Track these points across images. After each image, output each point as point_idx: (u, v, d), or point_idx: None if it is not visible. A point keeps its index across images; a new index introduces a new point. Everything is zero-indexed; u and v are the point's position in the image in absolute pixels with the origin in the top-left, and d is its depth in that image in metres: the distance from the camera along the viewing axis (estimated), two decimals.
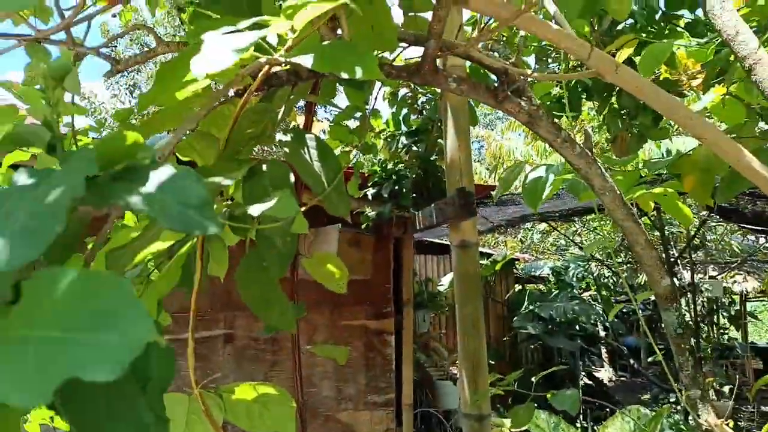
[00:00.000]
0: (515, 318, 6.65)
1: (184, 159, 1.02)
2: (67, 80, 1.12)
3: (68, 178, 0.39)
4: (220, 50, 0.55)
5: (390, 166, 2.62)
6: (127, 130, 0.51)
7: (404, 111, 2.70)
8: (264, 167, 0.75)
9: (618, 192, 1.02)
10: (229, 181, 0.56)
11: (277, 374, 3.60)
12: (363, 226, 2.77)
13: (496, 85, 1.03)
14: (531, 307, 6.65)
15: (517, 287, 7.77)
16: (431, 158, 2.68)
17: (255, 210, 0.55)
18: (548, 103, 2.34)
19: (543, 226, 7.61)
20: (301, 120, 2.23)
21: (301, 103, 1.74)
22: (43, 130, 0.45)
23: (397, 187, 2.58)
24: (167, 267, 0.79)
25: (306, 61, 0.67)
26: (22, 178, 0.42)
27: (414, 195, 2.62)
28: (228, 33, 0.62)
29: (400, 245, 3.68)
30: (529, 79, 1.04)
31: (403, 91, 2.58)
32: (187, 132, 0.75)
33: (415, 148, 2.53)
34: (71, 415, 0.37)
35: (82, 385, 0.31)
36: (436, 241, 5.84)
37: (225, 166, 0.76)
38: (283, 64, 0.88)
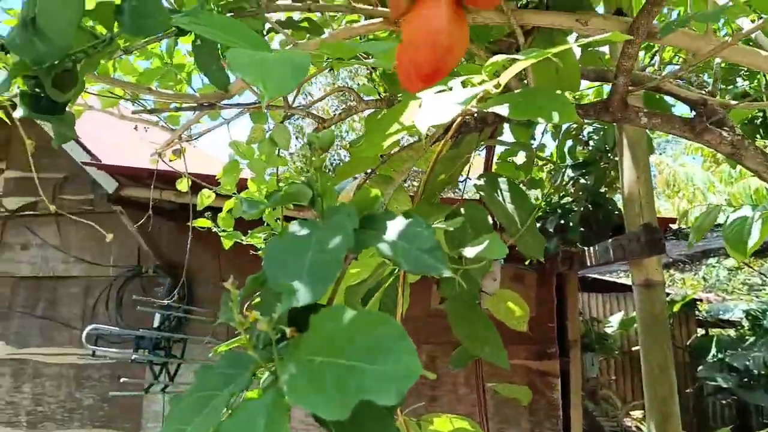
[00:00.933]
0: (700, 367, 5.85)
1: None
2: (278, 137, 1.31)
3: (339, 231, 0.48)
4: (443, 105, 0.62)
5: (555, 199, 2.55)
6: (332, 178, 0.60)
7: (569, 143, 2.63)
8: (462, 209, 0.81)
9: None
10: (451, 227, 0.62)
11: (434, 411, 3.61)
12: (526, 262, 2.71)
13: (692, 116, 0.98)
14: (720, 356, 5.80)
15: (700, 332, 6.86)
16: (600, 190, 2.56)
17: (470, 252, 0.59)
18: (741, 125, 2.11)
19: (731, 261, 6.67)
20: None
21: None
22: (306, 188, 0.55)
23: (563, 221, 2.49)
24: (371, 302, 0.87)
25: (503, 110, 0.72)
26: (296, 229, 0.52)
27: (582, 229, 2.51)
28: (438, 92, 0.70)
29: (563, 281, 3.51)
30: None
31: (567, 123, 2.52)
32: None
33: (582, 181, 2.44)
34: None
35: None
36: (602, 278, 5.45)
37: (426, 209, 0.82)
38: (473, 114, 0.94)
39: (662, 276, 1.67)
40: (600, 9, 1.28)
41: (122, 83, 1.04)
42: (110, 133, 4.46)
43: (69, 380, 4.22)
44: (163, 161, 1.30)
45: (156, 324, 3.55)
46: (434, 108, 0.61)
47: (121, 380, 3.36)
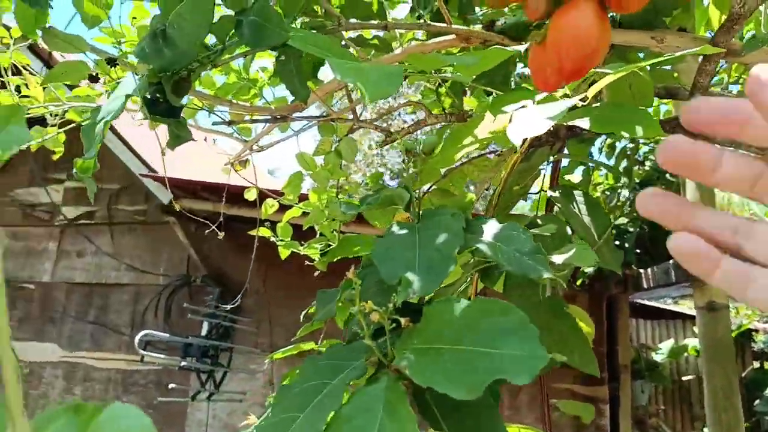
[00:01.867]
0: (757, 401, 5.55)
1: None
2: (345, 150, 1.34)
3: (445, 229, 0.50)
4: (536, 118, 0.63)
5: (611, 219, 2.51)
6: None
7: (624, 162, 2.59)
8: (539, 221, 0.81)
9: None
10: (547, 233, 0.63)
11: None
12: (578, 282, 2.66)
13: None
14: None
15: (756, 364, 6.52)
16: None
17: (558, 259, 0.60)
18: None
19: None
20: None
21: None
22: (404, 192, 0.58)
23: (618, 242, 2.45)
24: None
25: (584, 123, 0.73)
26: (397, 229, 0.55)
27: (637, 251, 2.46)
28: (521, 107, 0.72)
29: (615, 304, 3.42)
30: None
31: (623, 142, 2.49)
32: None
33: None
34: (451, 425, 0.45)
35: (458, 402, 0.38)
36: (651, 303, 5.27)
37: (504, 220, 0.83)
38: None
39: (726, 299, 1.62)
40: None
41: (203, 96, 1.10)
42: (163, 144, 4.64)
43: (116, 384, 4.36)
44: (235, 171, 1.36)
45: (204, 332, 3.64)
46: (527, 120, 0.62)
47: (170, 387, 3.45)
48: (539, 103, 0.71)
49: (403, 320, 0.43)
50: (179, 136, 0.64)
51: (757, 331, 6.88)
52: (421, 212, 0.57)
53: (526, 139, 0.91)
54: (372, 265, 0.55)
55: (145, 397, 4.20)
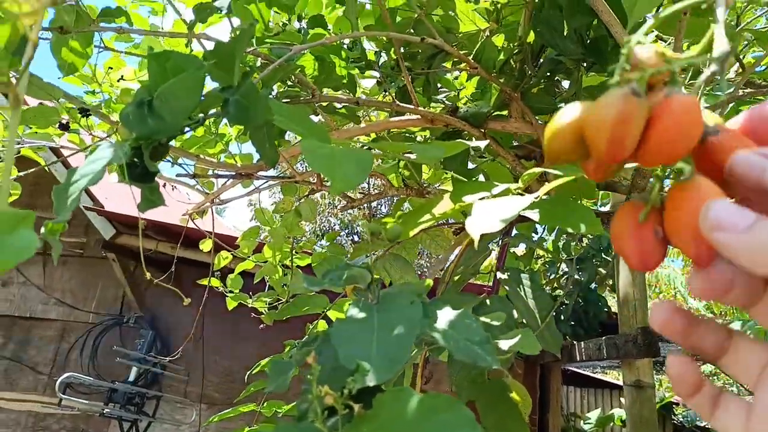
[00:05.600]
0: None
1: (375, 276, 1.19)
2: (305, 211, 1.37)
3: (404, 316, 0.53)
4: (490, 217, 0.69)
5: (548, 291, 2.62)
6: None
7: (564, 238, 2.74)
8: (488, 301, 0.86)
9: None
10: (496, 321, 0.68)
11: None
12: None
13: None
14: None
15: None
16: (591, 287, 2.64)
17: (504, 345, 0.65)
18: None
19: (708, 367, 6.70)
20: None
21: None
22: (366, 273, 0.61)
23: (554, 314, 2.55)
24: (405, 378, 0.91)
25: (534, 216, 0.80)
26: (356, 312, 0.57)
27: (572, 323, 2.56)
28: (483, 198, 0.78)
29: (548, 373, 3.52)
30: None
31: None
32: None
33: (576, 276, 2.53)
34: None
35: None
36: (581, 371, 5.43)
37: (455, 298, 0.88)
38: None
39: (653, 378, 1.71)
40: None
41: (171, 147, 1.11)
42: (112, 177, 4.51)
43: (25, 429, 4.00)
44: (192, 222, 1.36)
45: (132, 378, 3.44)
46: (485, 217, 0.68)
47: None
48: (496, 197, 0.78)
49: (356, 407, 0.46)
50: (152, 200, 0.66)
51: (678, 404, 7.18)
52: (380, 294, 0.60)
53: None
54: (329, 342, 0.58)
55: None
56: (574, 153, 0.24)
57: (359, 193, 1.44)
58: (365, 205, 1.26)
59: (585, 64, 1.11)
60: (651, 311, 0.29)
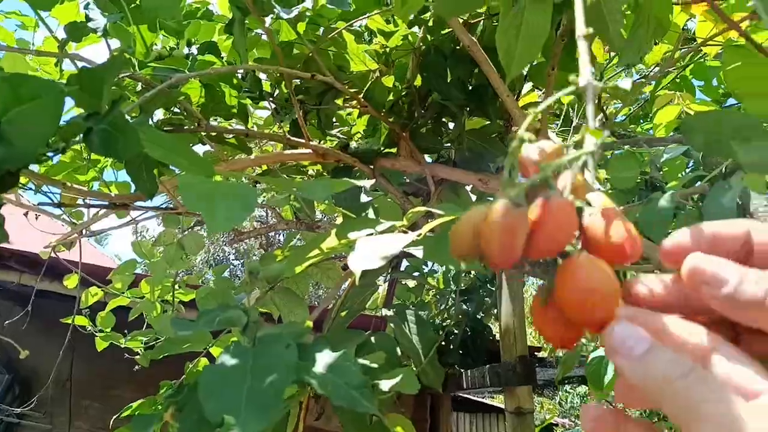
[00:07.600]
0: None
1: (262, 310, 1.15)
2: (189, 244, 1.30)
3: (278, 363, 0.51)
4: (372, 254, 0.69)
5: (437, 322, 2.70)
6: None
7: (452, 270, 2.85)
8: (373, 339, 0.86)
9: None
10: (375, 364, 0.67)
11: None
12: None
13: None
14: None
15: None
16: (478, 317, 2.76)
17: (385, 385, 0.65)
18: None
19: (583, 389, 7.26)
20: None
21: None
22: (242, 315, 0.58)
23: (444, 344, 2.62)
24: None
25: (418, 252, 0.82)
26: (227, 359, 0.54)
27: (460, 352, 2.65)
28: (369, 234, 0.78)
29: (437, 402, 3.59)
30: None
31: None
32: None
33: (464, 307, 2.63)
34: None
35: None
36: (470, 397, 5.62)
37: (340, 336, 0.87)
38: None
39: (532, 404, 1.81)
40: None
41: (31, 173, 1.01)
42: None
43: None
44: (55, 254, 1.22)
45: None
46: (366, 254, 0.68)
47: None
48: (381, 233, 0.79)
49: None
50: None
51: (557, 425, 7.67)
52: (256, 337, 0.58)
53: None
54: (195, 391, 0.54)
55: None
56: (475, 253, 0.26)
57: (255, 221, 1.40)
58: (261, 235, 1.22)
59: (468, 109, 1.17)
60: (581, 414, 0.29)
